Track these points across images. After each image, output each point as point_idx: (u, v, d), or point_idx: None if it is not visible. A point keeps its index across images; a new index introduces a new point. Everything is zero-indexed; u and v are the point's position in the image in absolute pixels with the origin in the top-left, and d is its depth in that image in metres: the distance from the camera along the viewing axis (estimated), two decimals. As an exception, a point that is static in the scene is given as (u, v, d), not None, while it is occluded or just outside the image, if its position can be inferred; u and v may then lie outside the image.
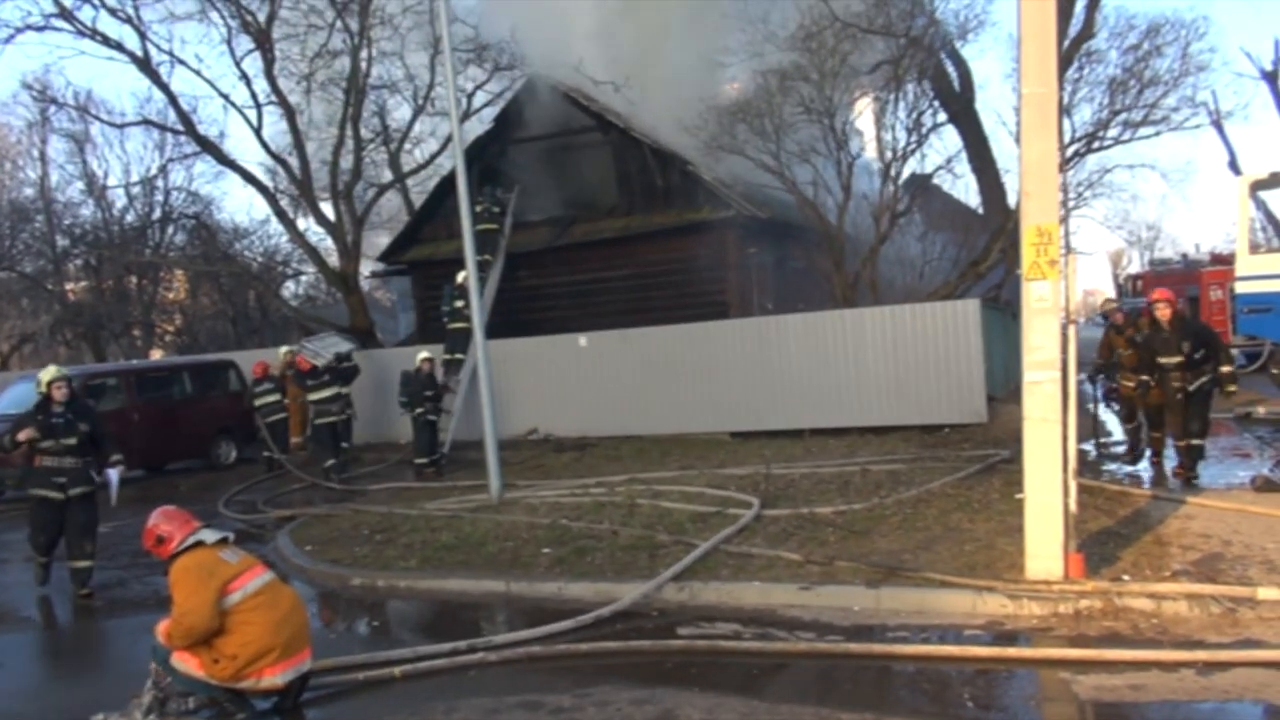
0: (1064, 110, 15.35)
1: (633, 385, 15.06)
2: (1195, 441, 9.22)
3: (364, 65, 19.19)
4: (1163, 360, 9.29)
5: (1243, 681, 4.96)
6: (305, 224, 24.36)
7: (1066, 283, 6.17)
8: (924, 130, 17.42)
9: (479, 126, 20.20)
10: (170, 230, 29.82)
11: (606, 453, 13.85)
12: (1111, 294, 35.84)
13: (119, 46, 18.75)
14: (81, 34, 18.39)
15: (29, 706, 5.99)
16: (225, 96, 21.28)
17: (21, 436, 8.21)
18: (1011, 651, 5.59)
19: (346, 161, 19.74)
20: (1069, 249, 7.13)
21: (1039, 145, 6.15)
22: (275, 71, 19.13)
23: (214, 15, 18.91)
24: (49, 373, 8.59)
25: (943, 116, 18.66)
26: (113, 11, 18.39)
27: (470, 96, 19.86)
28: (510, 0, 18.68)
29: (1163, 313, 9.25)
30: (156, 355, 30.18)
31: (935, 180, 21.28)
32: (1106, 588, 6.05)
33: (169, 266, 29.71)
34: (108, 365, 21.43)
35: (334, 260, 21.94)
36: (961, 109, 19.05)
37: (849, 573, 6.81)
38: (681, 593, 6.90)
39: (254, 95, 19.63)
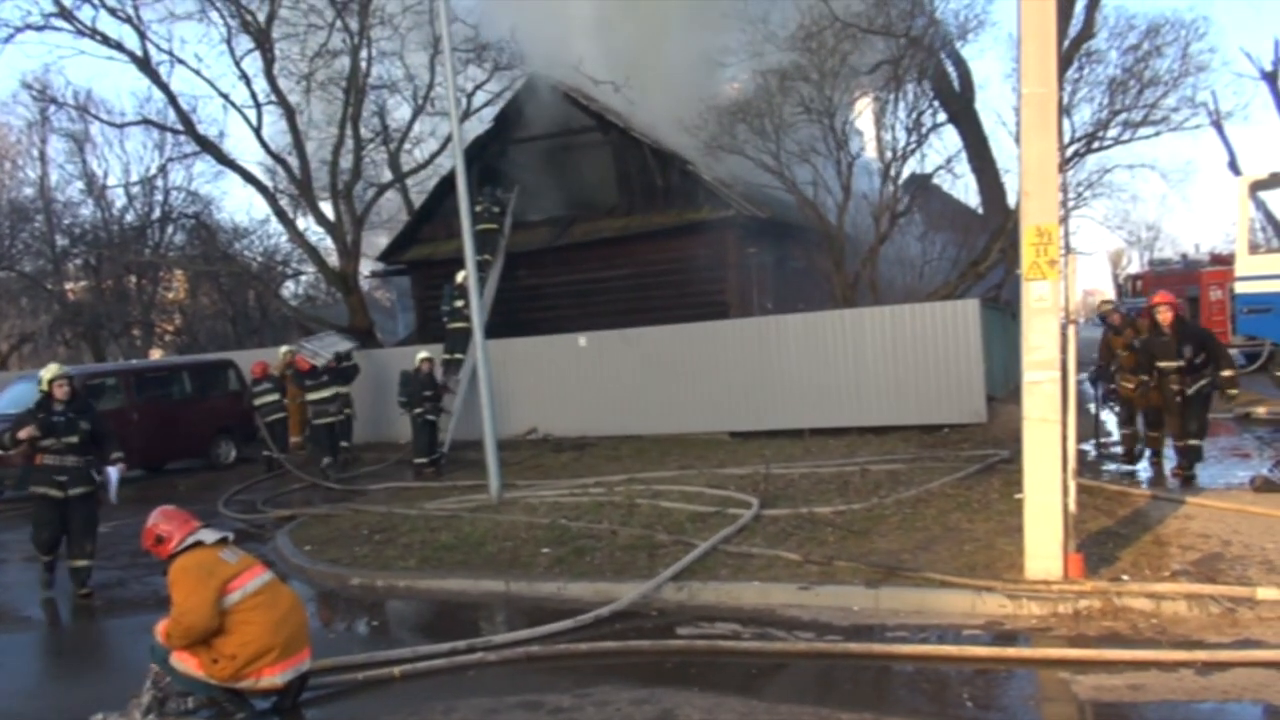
0: (1064, 110, 15.36)
1: (632, 385, 15.05)
2: (1193, 442, 9.22)
3: (364, 65, 19.17)
4: (1162, 364, 9.28)
5: (1242, 681, 4.96)
6: (305, 224, 24.38)
7: (1066, 283, 6.18)
8: (924, 130, 17.44)
9: (479, 126, 20.18)
10: (170, 230, 29.82)
11: (606, 452, 13.85)
12: (1111, 294, 35.88)
13: (119, 46, 18.73)
14: (81, 33, 18.37)
15: (28, 706, 5.99)
16: (225, 96, 21.31)
17: (23, 434, 8.21)
18: (1011, 651, 5.59)
19: (346, 161, 19.73)
20: (1069, 249, 7.14)
21: (1039, 145, 6.15)
22: (275, 71, 19.11)
23: (214, 15, 18.90)
24: (50, 371, 8.59)
25: (943, 116, 18.70)
26: (112, 11, 18.37)
27: (470, 96, 19.83)
28: (510, 0, 18.69)
29: (1164, 316, 9.23)
30: (156, 355, 30.18)
31: (935, 180, 21.28)
32: (1106, 588, 6.05)
33: (168, 266, 29.69)
34: (107, 365, 21.44)
35: (333, 260, 21.91)
36: (961, 109, 19.06)
37: (848, 573, 6.81)
38: (680, 592, 6.90)
39: (254, 95, 19.63)
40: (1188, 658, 5.14)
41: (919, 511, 8.40)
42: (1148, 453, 10.28)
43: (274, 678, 5.18)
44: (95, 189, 29.76)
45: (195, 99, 41.04)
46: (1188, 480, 9.10)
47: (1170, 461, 9.73)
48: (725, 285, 17.65)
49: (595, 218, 18.67)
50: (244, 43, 19.15)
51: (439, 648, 6.06)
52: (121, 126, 26.95)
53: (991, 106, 78.43)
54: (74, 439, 8.37)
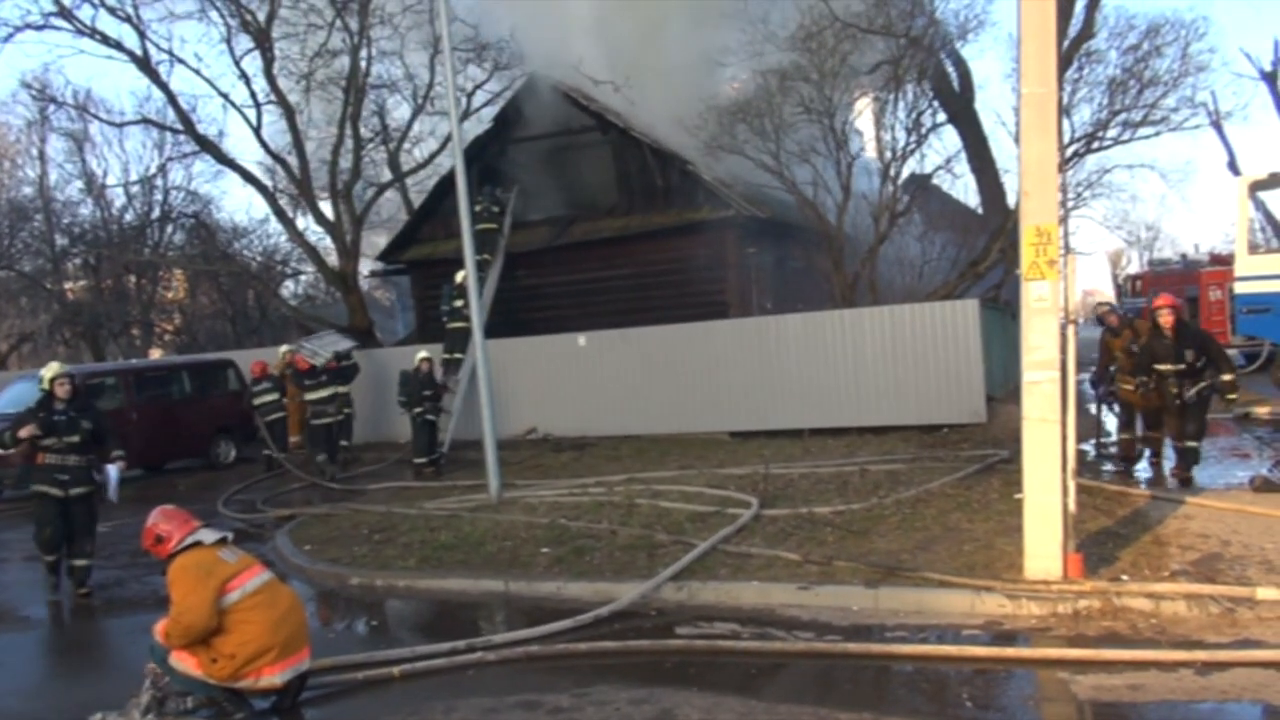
0: (1063, 110, 15.35)
1: (632, 385, 15.05)
2: (1191, 444, 9.21)
3: (363, 64, 19.17)
4: (1162, 367, 9.27)
5: (1241, 681, 4.96)
6: (304, 223, 24.42)
7: (1066, 283, 6.18)
8: (924, 130, 17.42)
9: (478, 126, 20.18)
10: (169, 229, 29.82)
11: (605, 452, 13.85)
12: (1110, 294, 35.86)
13: (118, 45, 18.73)
14: (81, 33, 18.37)
15: (27, 706, 5.99)
16: (224, 95, 21.34)
17: (23, 433, 8.20)
18: (1010, 651, 5.59)
19: (346, 161, 19.73)
20: (1068, 249, 7.16)
21: (1038, 145, 6.16)
22: (275, 70, 19.11)
23: (213, 14, 18.90)
24: (52, 369, 8.58)
25: (942, 116, 18.69)
26: (112, 10, 18.36)
27: (470, 96, 19.84)
28: (510, 0, 18.68)
29: (1165, 319, 9.20)
30: (155, 354, 30.18)
31: (935, 180, 21.28)
32: (1105, 588, 6.05)
33: (168, 266, 29.70)
34: (106, 364, 21.42)
35: (333, 259, 21.92)
36: (961, 109, 19.06)
37: (848, 572, 6.81)
38: (680, 592, 6.90)
39: (253, 94, 19.62)
40: (1187, 658, 5.14)
41: (918, 511, 8.40)
42: (1147, 453, 10.29)
43: (273, 677, 5.18)
44: (95, 188, 29.78)
45: (195, 98, 41.14)
46: (1186, 481, 9.10)
47: (1170, 461, 9.73)
48: (725, 285, 17.65)
49: (595, 217, 18.67)
50: (244, 42, 19.18)
51: (438, 647, 6.06)
52: (121, 126, 27.03)
53: (991, 106, 78.60)
54: (75, 438, 8.36)
